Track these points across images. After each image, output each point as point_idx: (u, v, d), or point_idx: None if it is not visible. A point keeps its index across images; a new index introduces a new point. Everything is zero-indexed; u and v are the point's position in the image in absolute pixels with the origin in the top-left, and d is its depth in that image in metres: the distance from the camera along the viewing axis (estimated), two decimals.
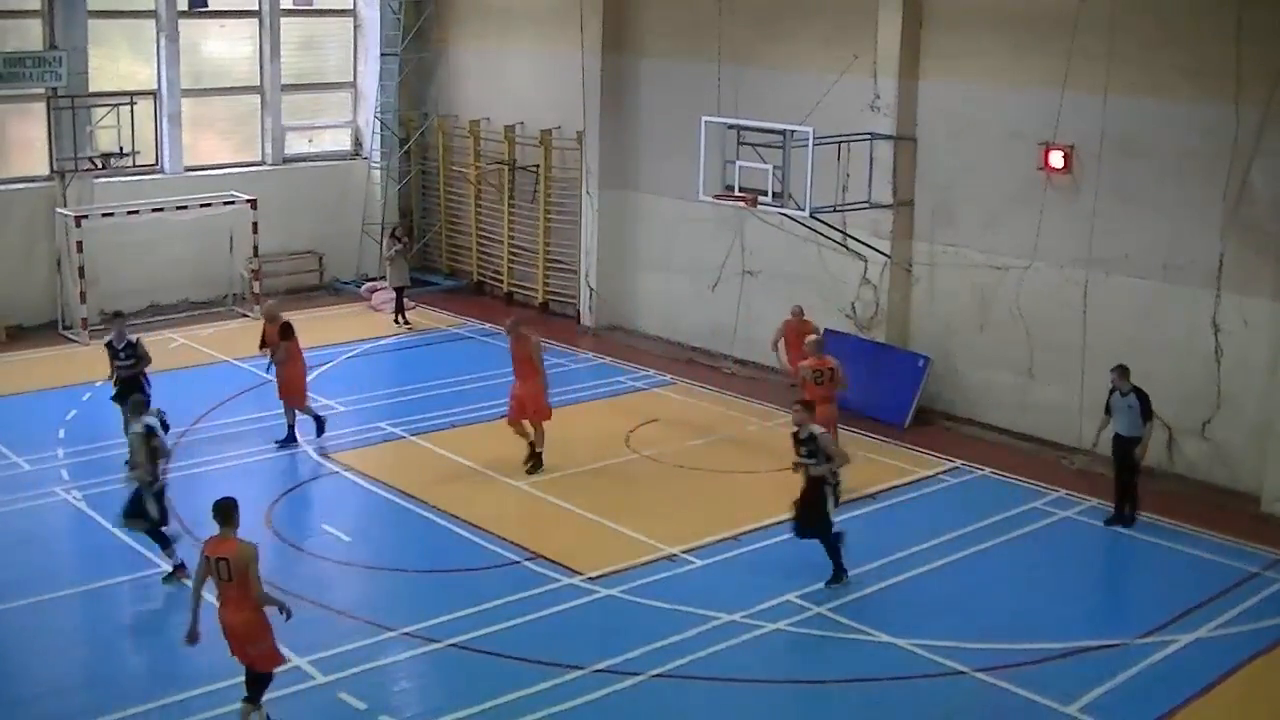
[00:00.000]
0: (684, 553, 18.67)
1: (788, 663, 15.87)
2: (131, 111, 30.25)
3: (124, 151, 30.20)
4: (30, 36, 30.41)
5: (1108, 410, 19.94)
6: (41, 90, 30.29)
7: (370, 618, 16.35)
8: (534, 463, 21.69)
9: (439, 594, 17.13)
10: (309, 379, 23.73)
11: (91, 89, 30.54)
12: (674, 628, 16.41)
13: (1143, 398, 19.60)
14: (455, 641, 15.97)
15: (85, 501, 20.24)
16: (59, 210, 30.02)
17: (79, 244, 29.40)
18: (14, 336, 29.38)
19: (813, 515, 17.58)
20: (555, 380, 26.33)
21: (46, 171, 30.68)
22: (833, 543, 17.66)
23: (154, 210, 30.66)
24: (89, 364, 26.63)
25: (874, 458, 22.75)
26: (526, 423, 21.72)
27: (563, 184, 32.14)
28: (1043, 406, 23.45)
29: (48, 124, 30.43)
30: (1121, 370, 19.71)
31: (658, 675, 15.32)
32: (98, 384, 24.20)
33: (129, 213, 30.38)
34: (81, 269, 29.43)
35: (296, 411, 22.95)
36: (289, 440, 22.82)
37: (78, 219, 29.46)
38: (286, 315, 23.39)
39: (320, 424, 23.18)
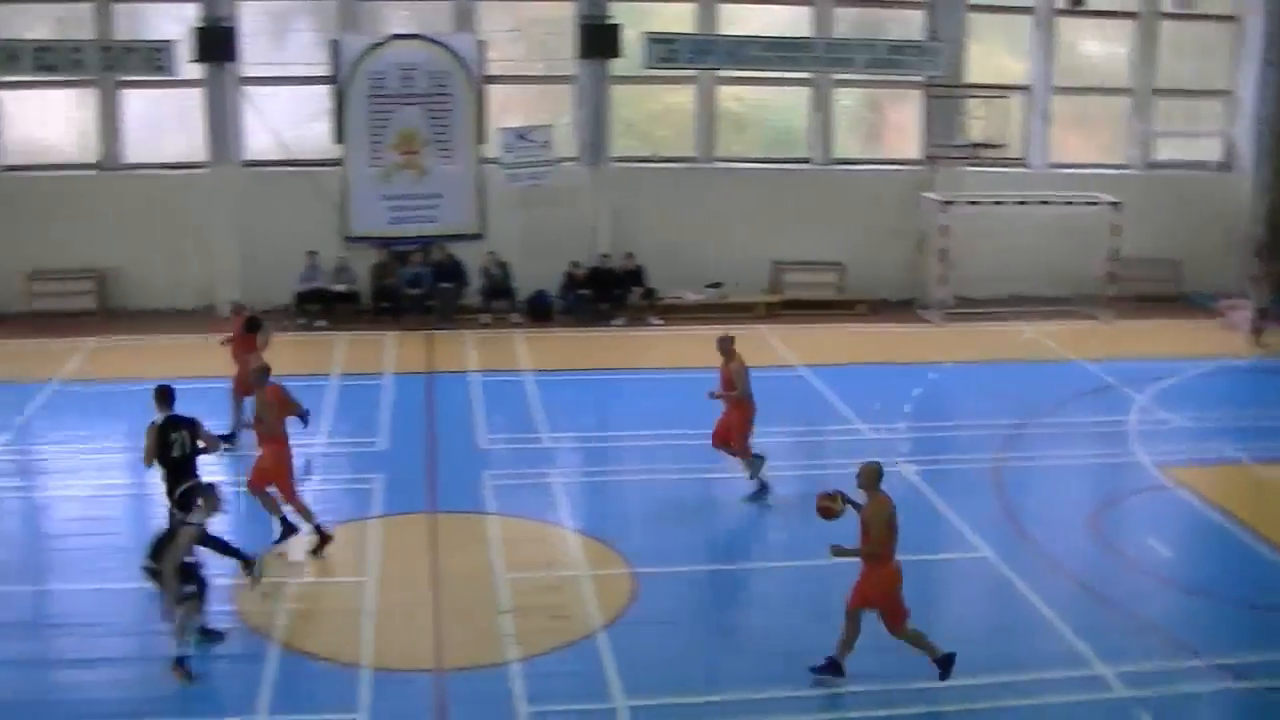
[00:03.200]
0: None
1: None
2: (1003, 105, 30.84)
3: (993, 143, 30.87)
4: (911, 26, 31.82)
5: None
6: (919, 78, 31.56)
7: (1183, 640, 15.87)
8: None
9: (1258, 631, 16.29)
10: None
11: (966, 80, 31.46)
12: None
13: None
14: (1272, 684, 15.12)
15: (918, 476, 20.88)
16: (926, 194, 31.11)
17: (944, 228, 30.35)
18: (875, 310, 30.93)
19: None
20: None
21: (918, 156, 31.96)
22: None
23: (1017, 203, 31.08)
24: (938, 344, 27.67)
25: None
26: None
27: None
28: None
29: (923, 111, 31.69)
30: None
31: None
32: (944, 365, 24.90)
33: (993, 203, 30.96)
34: (943, 253, 30.37)
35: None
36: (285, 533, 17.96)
37: (944, 204, 30.39)
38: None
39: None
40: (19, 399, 23.65)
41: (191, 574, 14.40)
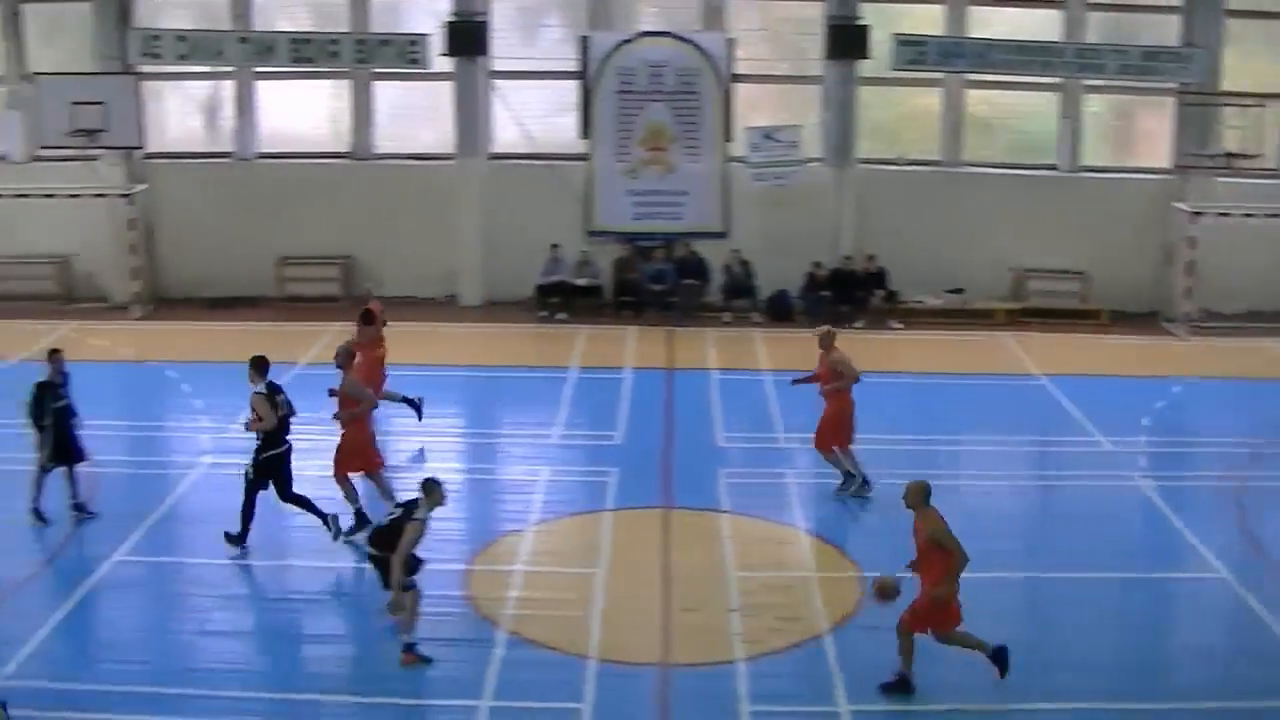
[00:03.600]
0: None
1: None
2: (1260, 114, 29.88)
3: (1248, 154, 29.92)
4: (1166, 31, 31.02)
5: None
6: (1173, 85, 30.76)
7: None
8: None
9: None
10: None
11: (1221, 88, 30.55)
12: None
13: None
14: None
15: (1156, 492, 20.38)
16: (1176, 204, 30.34)
17: (1192, 240, 29.61)
18: (1118, 321, 30.41)
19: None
20: None
21: (1168, 165, 31.16)
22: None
23: (1268, 215, 29.98)
24: (1183, 358, 27.31)
25: None
26: None
27: None
28: None
29: (1175, 119, 30.89)
30: None
31: None
32: (1189, 379, 24.28)
33: (1244, 215, 30.06)
34: (1191, 265, 29.65)
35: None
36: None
37: (1194, 215, 29.63)
38: None
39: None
40: None
41: (415, 564, 14.84)
